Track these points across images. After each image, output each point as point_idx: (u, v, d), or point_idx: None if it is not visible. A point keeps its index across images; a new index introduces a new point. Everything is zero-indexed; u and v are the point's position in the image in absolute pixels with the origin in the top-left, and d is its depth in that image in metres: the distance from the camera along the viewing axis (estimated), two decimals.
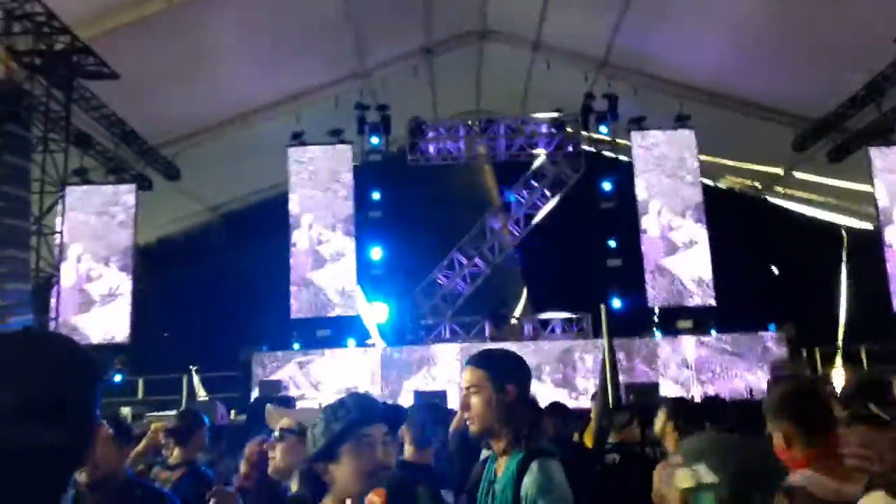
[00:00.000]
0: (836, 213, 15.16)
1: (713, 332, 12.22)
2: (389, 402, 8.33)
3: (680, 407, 3.38)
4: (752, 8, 10.81)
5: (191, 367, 12.53)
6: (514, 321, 13.23)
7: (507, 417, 2.00)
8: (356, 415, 1.80)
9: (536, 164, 14.65)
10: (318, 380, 11.68)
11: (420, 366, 11.80)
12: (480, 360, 2.06)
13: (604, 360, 4.20)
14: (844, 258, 14.96)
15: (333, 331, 12.26)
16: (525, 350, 11.65)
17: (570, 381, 11.71)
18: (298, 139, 13.06)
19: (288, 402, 10.00)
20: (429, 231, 14.43)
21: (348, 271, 12.61)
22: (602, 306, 4.43)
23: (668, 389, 11.00)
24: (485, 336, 12.97)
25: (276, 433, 2.22)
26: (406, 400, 10.10)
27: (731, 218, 14.07)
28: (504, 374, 2.03)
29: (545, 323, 13.48)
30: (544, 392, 10.98)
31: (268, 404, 2.36)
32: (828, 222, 15.26)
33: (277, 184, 13.76)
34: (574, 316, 13.21)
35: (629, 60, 13.28)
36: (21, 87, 9.39)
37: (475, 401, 2.02)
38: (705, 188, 13.30)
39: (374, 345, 12.70)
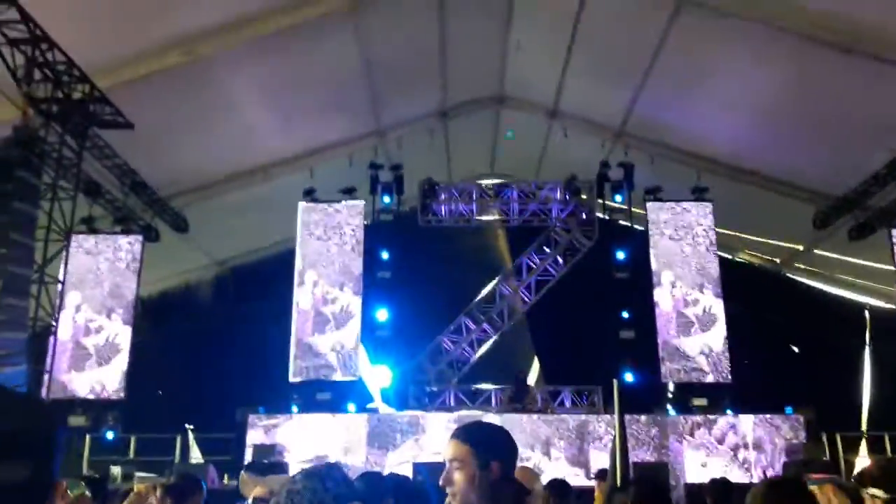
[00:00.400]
0: (858, 292, 15.02)
1: (728, 411, 12.06)
2: (374, 470, 8.09)
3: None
4: (773, 83, 10.88)
5: (186, 426, 12.37)
6: (532, 391, 13.06)
7: (490, 496, 1.96)
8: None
9: (549, 230, 14.62)
10: (286, 445, 11.38)
11: (409, 434, 11.54)
12: (465, 434, 2.03)
13: (614, 437, 4.13)
14: (868, 340, 14.77)
15: (334, 394, 12.09)
16: (538, 423, 11.48)
17: (586, 457, 11.40)
18: (310, 195, 13.14)
19: (283, 468, 9.90)
20: (437, 293, 14.33)
21: (353, 332, 12.49)
22: (615, 382, 4.38)
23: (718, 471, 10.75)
24: (491, 404, 12.71)
25: (249, 502, 2.12)
26: (395, 470, 9.84)
27: (748, 293, 13.99)
28: (489, 450, 2.00)
29: (554, 394, 13.30)
30: (558, 469, 10.73)
31: (242, 471, 2.27)
32: (850, 301, 15.06)
33: (285, 239, 13.76)
34: (585, 388, 13.06)
35: (647, 130, 13.38)
36: (36, 133, 9.55)
37: (458, 476, 1.99)
38: (722, 262, 13.24)
39: (376, 410, 12.51)
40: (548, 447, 11.27)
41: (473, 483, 1.97)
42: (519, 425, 11.18)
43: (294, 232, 13.00)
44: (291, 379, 12.17)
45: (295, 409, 11.93)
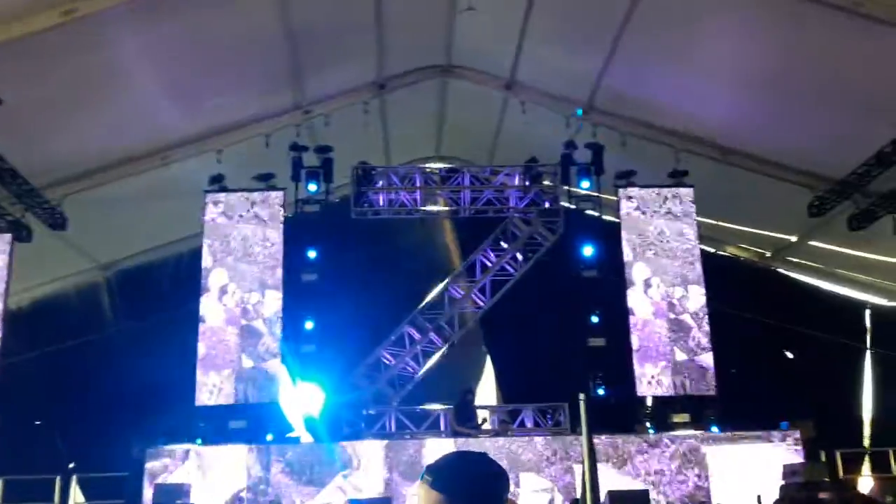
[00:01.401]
0: (858, 288, 15.19)
1: (714, 428, 12.17)
2: None
3: None
4: (765, 50, 10.88)
5: (68, 465, 12.13)
6: (482, 412, 13.01)
7: None
8: None
9: (507, 222, 14.45)
10: (192, 484, 11.10)
11: (340, 466, 11.38)
12: (439, 480, 1.93)
13: (583, 461, 4.14)
14: (869, 342, 14.98)
15: (250, 421, 11.96)
16: (497, 448, 11.48)
17: (559, 482, 11.44)
18: (218, 183, 12.90)
19: None
20: (374, 298, 14.28)
21: (272, 346, 12.38)
22: (581, 397, 4.38)
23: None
24: (439, 428, 12.60)
25: None
26: None
27: (735, 292, 14.15)
28: (469, 500, 1.91)
29: (514, 413, 13.25)
30: (525, 500, 10.89)
31: None
32: (849, 299, 15.27)
33: (188, 237, 13.67)
34: (549, 406, 13.01)
35: (618, 105, 13.39)
36: None
37: None
38: (705, 256, 13.36)
39: (298, 439, 12.35)
40: (514, 474, 11.27)
41: None
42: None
43: (198, 228, 12.84)
44: (198, 404, 12.06)
45: (200, 441, 11.79)
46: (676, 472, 11.61)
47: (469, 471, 2.01)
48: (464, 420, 12.41)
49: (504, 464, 10.71)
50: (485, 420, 12.73)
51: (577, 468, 10.77)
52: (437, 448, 11.37)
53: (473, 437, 12.07)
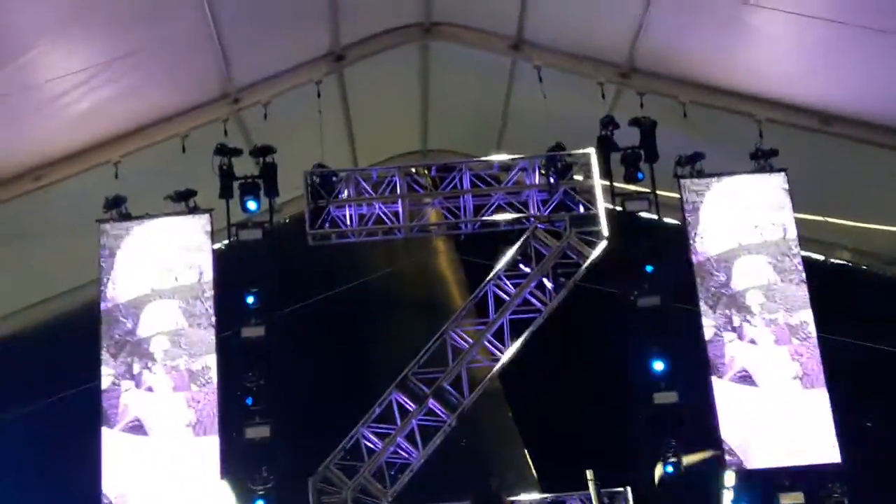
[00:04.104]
0: None
1: None
2: None
3: None
4: None
5: None
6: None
7: None
8: None
9: (527, 236, 14.14)
10: None
11: None
12: None
13: None
14: None
15: None
16: None
17: None
18: (117, 208, 12.99)
19: None
20: (346, 357, 14.45)
21: (204, 445, 12.29)
22: (589, 474, 4.28)
23: None
24: None
25: None
26: None
27: (854, 315, 14.41)
28: None
29: None
30: None
31: None
32: None
33: (81, 286, 13.88)
34: (605, 491, 12.82)
35: (669, 64, 13.60)
36: None
37: None
38: (810, 267, 13.38)
39: None
40: None
41: None
42: None
43: (94, 273, 12.89)
44: None
45: None
46: None
47: None
48: None
49: None
50: None
51: None
52: None
53: None
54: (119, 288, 12.78)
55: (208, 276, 12.85)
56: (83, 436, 12.42)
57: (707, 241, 13.17)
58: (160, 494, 12.21)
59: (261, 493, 12.70)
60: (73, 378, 13.57)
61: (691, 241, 13.15)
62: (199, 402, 12.58)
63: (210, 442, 12.37)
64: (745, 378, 12.72)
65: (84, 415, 12.64)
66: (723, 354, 12.76)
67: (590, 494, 12.61)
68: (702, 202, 13.29)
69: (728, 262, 13.12)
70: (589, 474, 4.47)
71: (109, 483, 12.12)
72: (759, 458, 12.43)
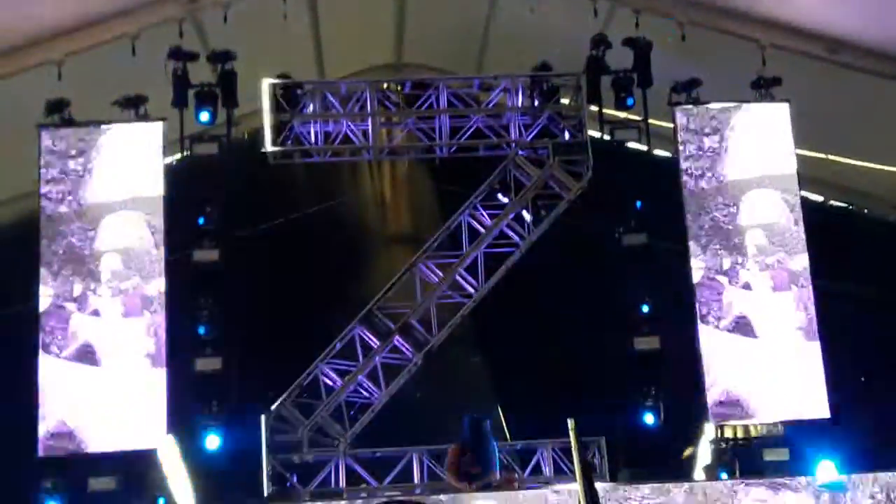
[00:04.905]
0: None
1: (832, 466, 11.74)
2: None
3: None
4: None
5: None
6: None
7: None
8: None
9: (507, 163, 14.14)
10: None
11: None
12: None
13: None
14: None
15: (122, 477, 12.09)
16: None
17: None
18: (59, 113, 12.83)
19: None
20: (306, 287, 14.40)
21: (151, 362, 12.35)
22: (570, 423, 4.87)
23: None
24: (412, 479, 12.72)
25: None
26: None
27: (856, 264, 14.63)
28: None
29: (524, 454, 13.48)
30: None
31: None
32: None
33: (18, 197, 13.95)
34: (577, 441, 12.86)
35: None
36: None
37: None
38: (810, 210, 13.50)
39: None
40: None
41: None
42: None
43: (32, 185, 12.83)
44: (43, 453, 12.19)
45: None
46: None
47: None
48: (485, 464, 11.96)
49: None
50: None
51: None
52: None
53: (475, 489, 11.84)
54: (62, 199, 12.71)
55: (158, 191, 12.78)
56: (17, 362, 12.45)
57: (700, 176, 13.22)
58: (106, 429, 12.21)
59: (212, 426, 12.86)
60: (6, 298, 13.53)
61: (683, 176, 13.19)
62: (155, 329, 12.56)
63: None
64: (740, 326, 12.80)
65: (19, 339, 12.64)
66: (713, 299, 12.88)
67: (564, 443, 12.82)
68: (697, 132, 13.31)
69: (722, 199, 13.18)
70: (570, 423, 4.61)
71: (49, 414, 12.15)
72: (744, 411, 12.60)
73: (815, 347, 12.70)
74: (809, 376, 12.63)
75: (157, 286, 12.54)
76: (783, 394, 12.64)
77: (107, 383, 12.30)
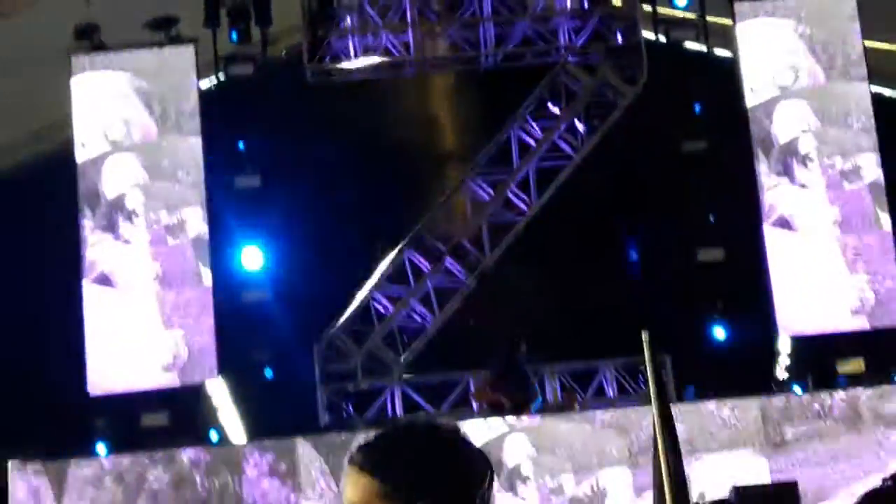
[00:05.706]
0: None
1: None
2: None
3: None
4: None
5: None
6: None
7: None
8: None
9: (556, 72, 14.28)
10: None
11: (319, 477, 11.68)
12: (371, 460, 2.14)
13: (654, 437, 4.77)
14: None
15: (173, 414, 12.33)
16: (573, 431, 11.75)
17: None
18: (89, 39, 12.99)
19: None
20: (351, 210, 14.48)
21: (197, 296, 12.53)
22: (644, 335, 5.05)
23: None
24: (469, 405, 12.99)
25: None
26: None
27: None
28: (413, 485, 2.10)
29: (585, 375, 13.68)
30: None
31: None
32: None
33: (51, 127, 13.86)
34: (641, 360, 13.15)
35: None
36: None
37: None
38: (880, 106, 13.36)
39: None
40: (596, 471, 11.57)
41: None
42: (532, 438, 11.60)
43: (63, 115, 12.93)
44: (92, 391, 12.34)
45: (102, 447, 12.15)
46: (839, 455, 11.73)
47: (419, 442, 2.17)
48: (512, 387, 12.50)
49: (565, 452, 11.20)
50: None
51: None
52: (471, 434, 11.59)
53: (525, 413, 12.19)
54: (94, 132, 12.89)
55: (194, 119, 12.90)
56: (62, 293, 12.75)
57: (762, 77, 13.14)
58: (154, 365, 12.53)
59: (266, 361, 13.41)
60: (36, 232, 13.63)
61: (745, 81, 13.10)
62: (169, 255, 12.79)
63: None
64: (785, 223, 12.82)
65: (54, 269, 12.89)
66: (775, 203, 12.89)
67: (627, 362, 13.27)
68: (759, 29, 13.20)
69: (782, 102, 13.09)
70: (644, 336, 4.86)
71: (94, 351, 12.44)
72: (806, 320, 12.75)
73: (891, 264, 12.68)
74: (885, 277, 12.66)
75: (179, 216, 12.76)
76: (857, 298, 12.68)
77: (153, 314, 12.57)
